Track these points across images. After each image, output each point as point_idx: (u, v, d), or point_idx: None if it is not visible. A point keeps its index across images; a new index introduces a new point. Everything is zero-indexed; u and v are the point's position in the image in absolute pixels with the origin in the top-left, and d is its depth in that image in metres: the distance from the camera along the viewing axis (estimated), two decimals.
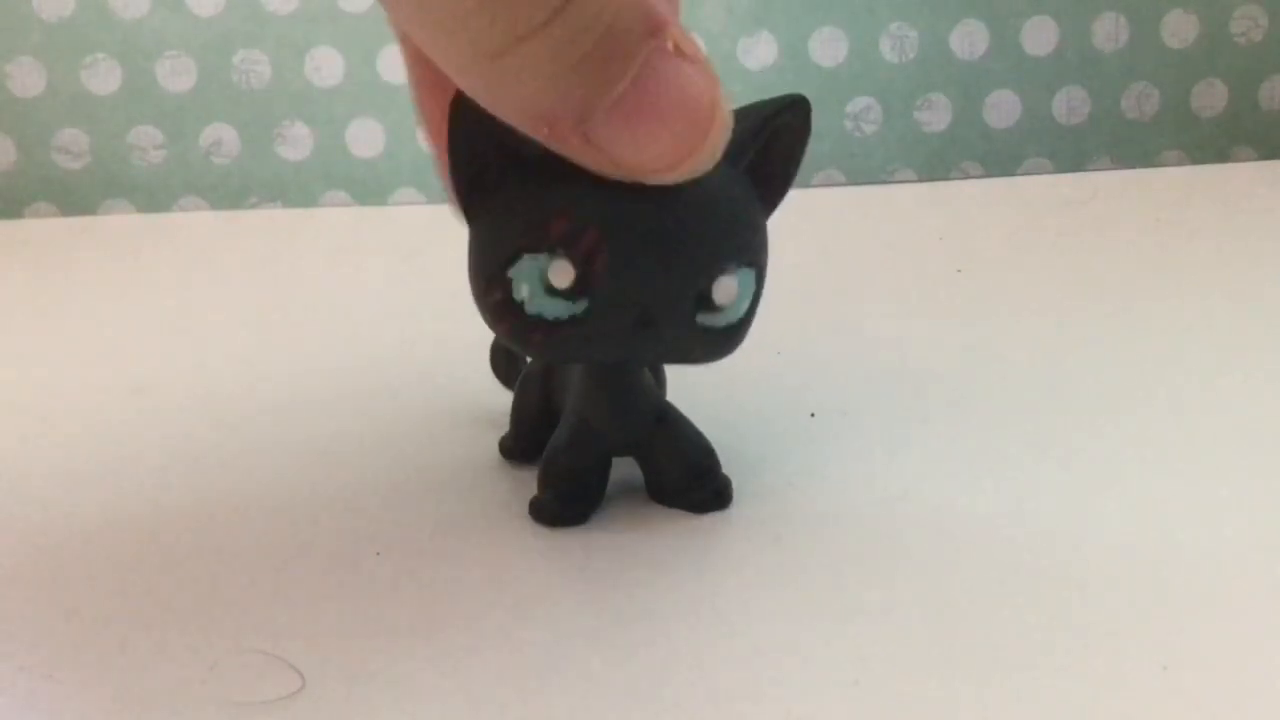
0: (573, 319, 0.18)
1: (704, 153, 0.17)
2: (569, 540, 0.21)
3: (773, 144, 0.20)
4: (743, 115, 0.18)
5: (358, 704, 0.17)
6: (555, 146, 0.17)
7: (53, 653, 0.18)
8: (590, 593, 0.20)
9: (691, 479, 0.22)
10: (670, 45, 0.16)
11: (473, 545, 0.21)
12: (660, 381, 0.24)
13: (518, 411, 0.25)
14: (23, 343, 0.37)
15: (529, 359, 0.25)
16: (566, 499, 0.22)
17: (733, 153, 0.18)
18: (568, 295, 0.18)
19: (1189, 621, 0.18)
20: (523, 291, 0.18)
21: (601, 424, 0.22)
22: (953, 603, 0.19)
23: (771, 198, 0.20)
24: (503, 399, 0.26)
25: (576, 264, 0.18)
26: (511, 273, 0.18)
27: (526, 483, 0.23)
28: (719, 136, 0.17)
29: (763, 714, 0.16)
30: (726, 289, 0.18)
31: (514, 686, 0.17)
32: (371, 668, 0.18)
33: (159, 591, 0.20)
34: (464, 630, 0.19)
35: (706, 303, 0.19)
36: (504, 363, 0.27)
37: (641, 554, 0.21)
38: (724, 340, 0.19)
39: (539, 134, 0.16)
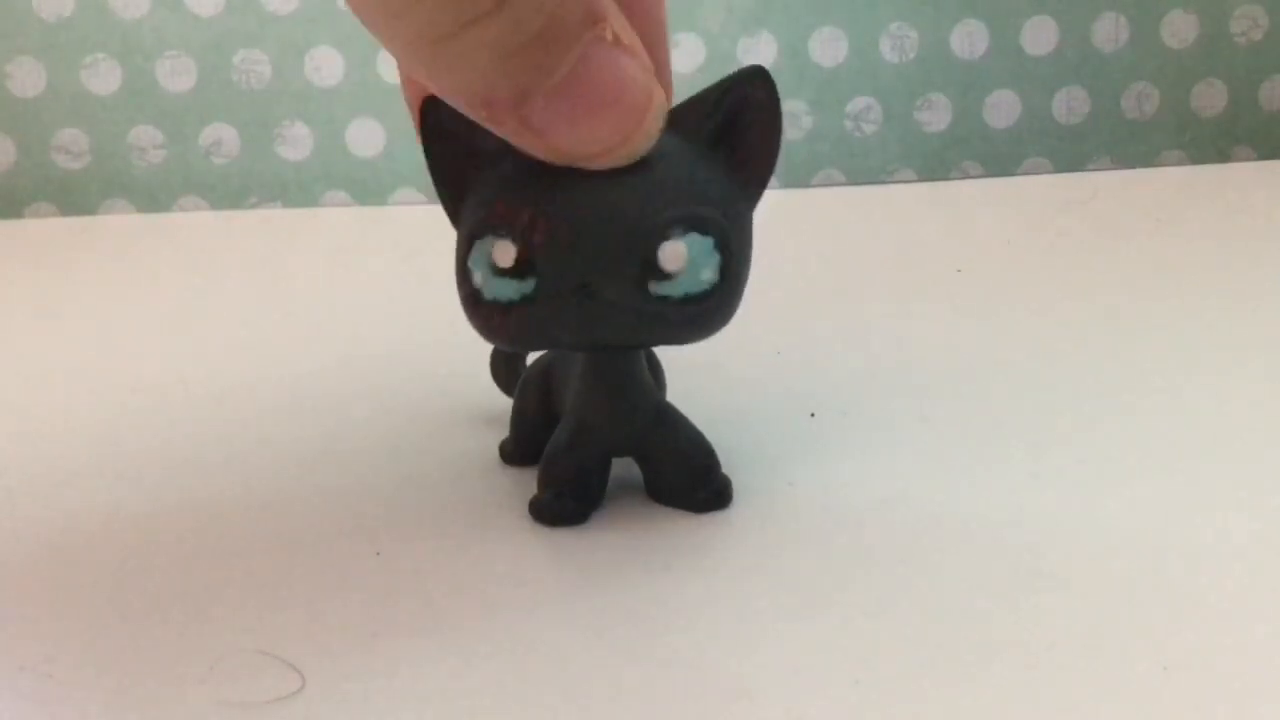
0: (524, 299, 0.18)
1: (637, 140, 0.17)
2: (568, 540, 0.21)
3: (740, 119, 0.20)
4: (702, 91, 0.19)
5: (358, 704, 0.17)
6: (493, 128, 0.17)
7: (53, 653, 0.18)
8: (589, 592, 0.20)
9: (691, 479, 0.22)
10: (609, 35, 0.16)
11: (473, 545, 0.21)
12: (660, 382, 0.24)
13: (517, 415, 0.25)
14: (23, 343, 0.37)
15: (528, 363, 0.25)
16: (567, 499, 0.22)
17: (688, 127, 0.19)
18: (513, 274, 0.18)
19: (1189, 621, 0.18)
20: (477, 278, 0.19)
21: (600, 423, 0.22)
22: (952, 602, 0.19)
23: (754, 176, 0.20)
24: (502, 399, 0.26)
25: (516, 241, 0.18)
26: (470, 262, 0.19)
27: (526, 483, 0.23)
28: (653, 124, 0.17)
29: (763, 714, 0.16)
30: (673, 253, 0.18)
31: (514, 686, 0.17)
32: (371, 668, 0.18)
33: (159, 591, 0.20)
34: (464, 630, 0.19)
35: (654, 270, 0.18)
36: (504, 369, 0.27)
37: (641, 554, 0.21)
38: (692, 312, 0.19)
39: (478, 116, 0.17)
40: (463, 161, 0.19)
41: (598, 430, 0.22)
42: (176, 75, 0.57)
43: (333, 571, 0.21)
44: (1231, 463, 0.24)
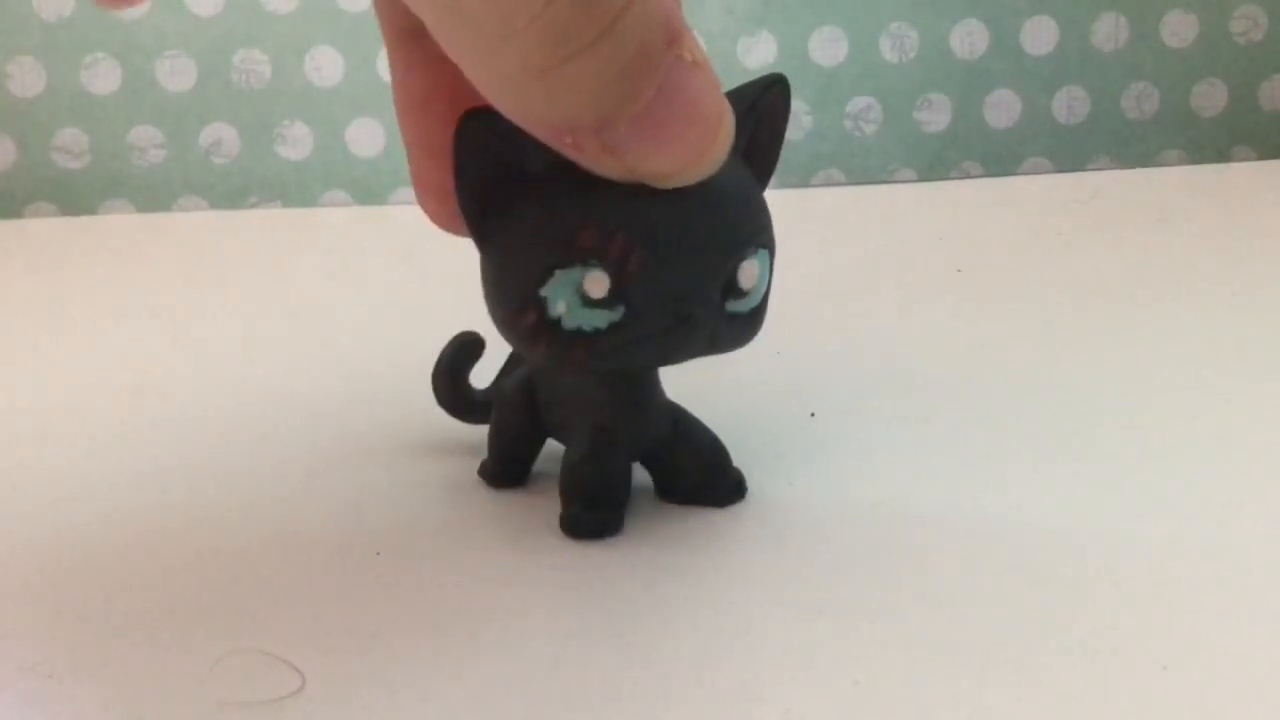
0: (612, 327, 0.18)
1: (713, 155, 0.18)
2: (567, 541, 0.21)
3: (759, 125, 0.20)
4: (734, 98, 0.19)
5: (358, 704, 0.17)
6: (573, 155, 0.17)
7: (53, 653, 0.18)
8: (588, 593, 0.20)
9: (710, 475, 0.22)
10: (687, 55, 0.16)
11: (473, 545, 0.21)
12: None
13: (499, 435, 0.24)
14: (23, 343, 0.37)
15: (472, 383, 0.25)
16: (602, 509, 0.21)
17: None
18: (605, 304, 0.18)
19: (1189, 621, 0.18)
20: (559, 308, 0.18)
21: (625, 431, 0.21)
22: (952, 602, 0.19)
23: (762, 175, 0.20)
24: None
25: (610, 272, 0.18)
26: (544, 291, 0.18)
27: (528, 484, 0.23)
28: (726, 139, 0.18)
29: (763, 714, 0.16)
30: (749, 272, 0.19)
31: (513, 686, 0.17)
32: (371, 668, 0.18)
33: (159, 591, 0.20)
34: (463, 630, 0.19)
35: (734, 289, 0.19)
36: (448, 387, 0.25)
37: (639, 555, 0.21)
38: (749, 325, 0.20)
39: (562, 145, 0.17)
40: (500, 179, 0.19)
41: (619, 437, 0.21)
42: (176, 75, 0.57)
43: (333, 572, 0.21)
44: (1231, 462, 0.24)
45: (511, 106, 0.17)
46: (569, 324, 0.18)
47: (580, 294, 0.18)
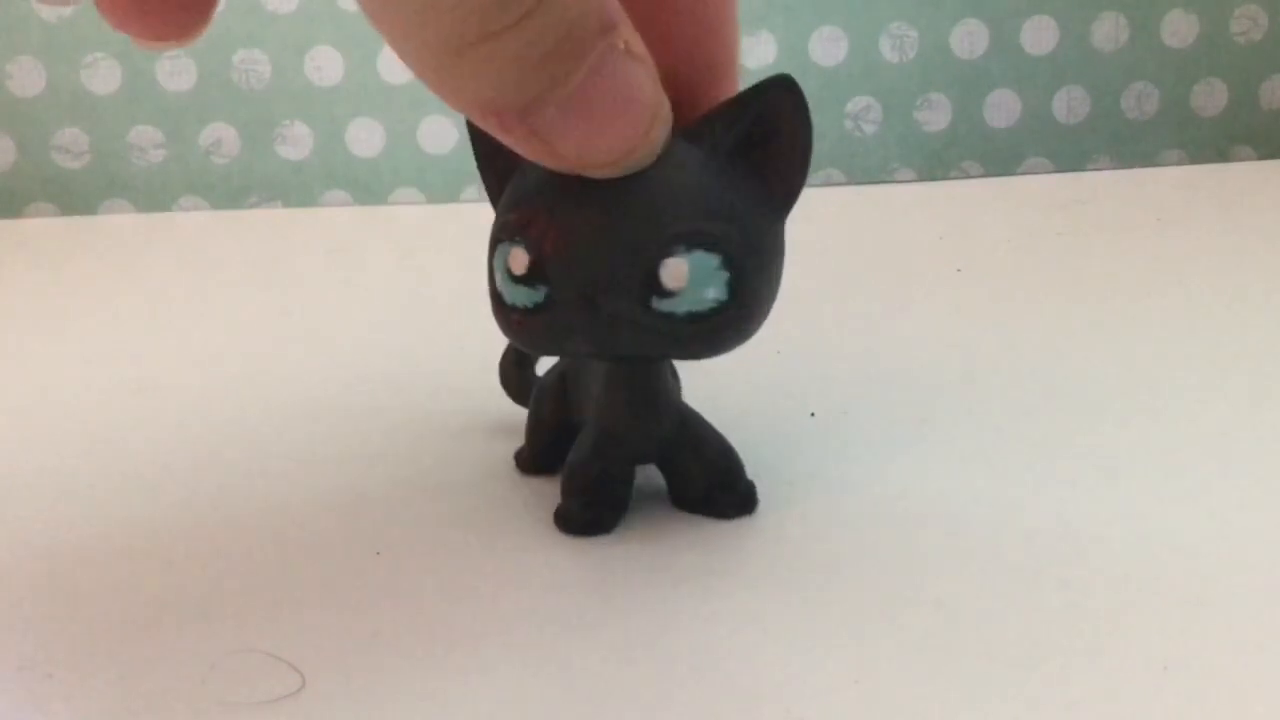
0: (537, 306, 0.19)
1: (642, 149, 0.17)
2: (569, 543, 0.21)
3: (767, 130, 0.19)
4: (728, 102, 0.19)
5: (358, 704, 0.17)
6: (500, 136, 0.17)
7: (53, 653, 0.18)
8: (588, 593, 0.20)
9: (717, 486, 0.22)
10: (621, 44, 0.16)
11: (473, 545, 0.21)
12: (676, 385, 0.24)
13: (533, 425, 0.24)
14: (22, 343, 0.37)
15: (538, 371, 0.25)
16: (594, 507, 0.22)
17: (706, 138, 0.18)
18: (527, 281, 0.19)
19: (1189, 621, 0.18)
20: (499, 281, 0.19)
21: (624, 431, 0.21)
22: (952, 602, 0.19)
23: (782, 187, 0.19)
24: (501, 397, 0.26)
25: (530, 249, 0.18)
26: (493, 263, 0.19)
27: (530, 485, 0.24)
28: (658, 134, 0.17)
29: (763, 714, 0.16)
30: (674, 271, 0.18)
31: (513, 686, 0.17)
32: (371, 668, 0.18)
33: (159, 592, 0.20)
34: (464, 630, 0.19)
35: (655, 286, 0.18)
36: (514, 376, 0.27)
37: (639, 554, 0.21)
38: (698, 330, 0.19)
39: (486, 125, 0.17)
40: (505, 158, 0.20)
41: (621, 438, 0.21)
42: (176, 75, 0.57)
43: (333, 572, 0.21)
44: (1231, 462, 0.24)
45: (436, 83, 0.16)
46: (507, 298, 0.19)
47: (507, 269, 0.19)
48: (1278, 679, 0.17)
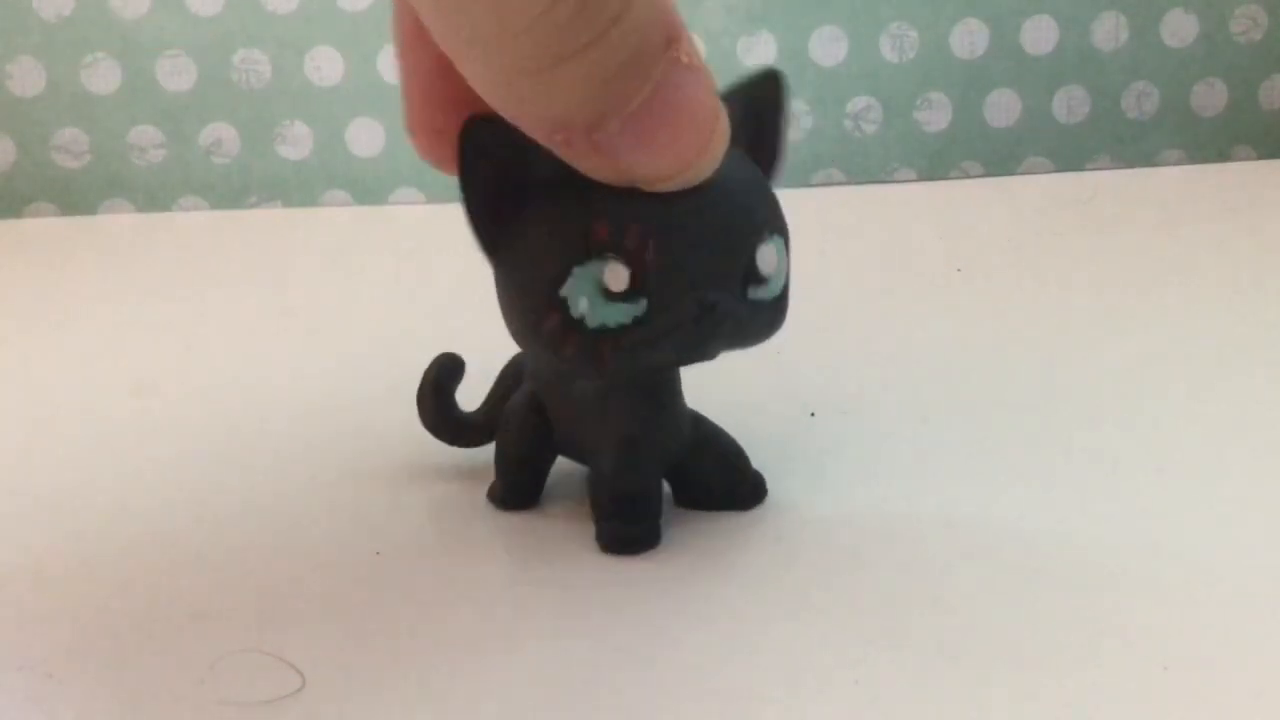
0: (636, 321, 0.18)
1: (706, 159, 0.17)
2: (566, 543, 0.21)
3: (759, 120, 0.20)
4: (728, 100, 0.19)
5: (358, 704, 0.17)
6: (564, 154, 0.17)
7: (53, 653, 0.18)
8: (587, 593, 0.20)
9: (733, 480, 0.22)
10: (684, 57, 0.16)
11: (473, 546, 0.21)
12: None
13: (506, 458, 0.23)
14: (22, 343, 0.37)
15: (457, 403, 0.25)
16: (642, 521, 0.21)
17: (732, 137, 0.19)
18: (627, 297, 0.18)
19: (1189, 621, 0.18)
20: (581, 306, 0.18)
21: (651, 440, 0.21)
22: (952, 602, 0.19)
23: (769, 171, 0.20)
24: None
25: (628, 262, 0.18)
26: (564, 291, 0.18)
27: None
28: (720, 144, 0.17)
29: (763, 714, 0.16)
30: (767, 257, 0.19)
31: (512, 685, 0.17)
32: (371, 668, 0.18)
33: (159, 591, 0.20)
34: (464, 630, 0.19)
35: (754, 275, 0.19)
36: (434, 410, 0.24)
37: (637, 556, 0.21)
38: (774, 314, 0.20)
39: (551, 143, 0.17)
40: (507, 188, 0.19)
41: (649, 446, 0.21)
42: (176, 75, 0.57)
43: (333, 572, 0.21)
44: (1231, 461, 0.24)
45: (503, 102, 0.17)
46: (592, 322, 0.18)
47: (601, 289, 0.18)
48: (1278, 679, 0.16)
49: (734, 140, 0.18)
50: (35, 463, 0.26)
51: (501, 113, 0.17)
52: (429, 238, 0.50)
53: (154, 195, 0.58)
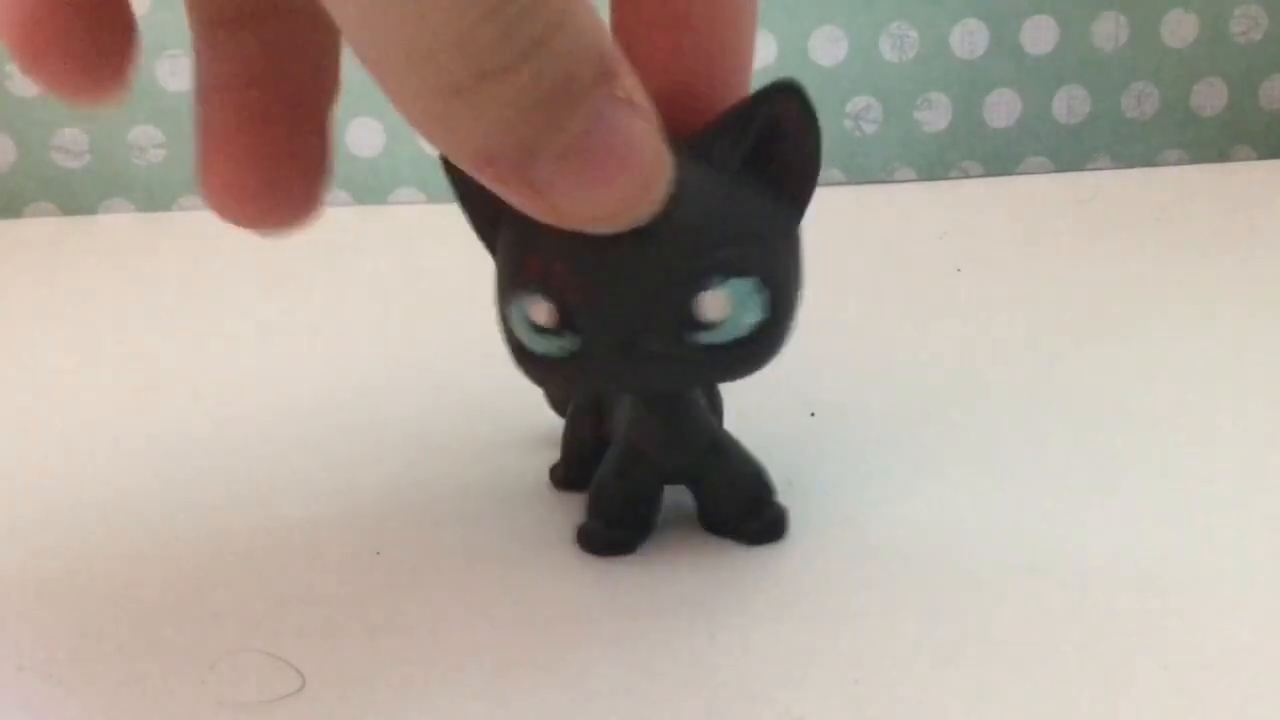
0: (569, 355, 0.18)
1: (643, 205, 0.16)
2: (565, 543, 0.21)
3: (773, 137, 0.18)
4: (728, 113, 0.18)
5: (358, 704, 0.17)
6: (495, 188, 0.16)
7: (53, 653, 0.18)
8: (587, 593, 0.20)
9: (746, 510, 0.21)
10: (621, 93, 0.15)
11: (473, 546, 0.21)
12: (716, 408, 0.23)
13: (568, 441, 0.24)
14: (23, 343, 0.37)
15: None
16: (617, 527, 0.21)
17: (717, 156, 0.18)
18: (554, 332, 0.18)
19: (1189, 621, 0.18)
20: (519, 332, 0.18)
21: (652, 451, 0.21)
22: (952, 602, 0.19)
23: (792, 195, 0.19)
24: (496, 400, 0.26)
25: (553, 300, 0.17)
26: (509, 312, 0.18)
27: (529, 486, 0.23)
28: (659, 189, 0.16)
29: (763, 714, 0.16)
30: (713, 304, 0.18)
31: (512, 685, 0.17)
32: (371, 668, 0.18)
33: (159, 591, 0.20)
34: (464, 630, 0.19)
35: (693, 322, 0.18)
36: (557, 390, 0.26)
37: (638, 558, 0.21)
38: (740, 354, 0.18)
39: (481, 174, 0.16)
40: (488, 199, 0.18)
41: (648, 458, 0.21)
42: (176, 75, 0.57)
43: (333, 572, 0.21)
44: (1232, 463, 0.24)
45: (430, 129, 0.16)
46: (530, 348, 0.18)
47: (529, 320, 0.18)
48: (1278, 679, 0.17)
49: (725, 165, 0.18)
50: (34, 462, 0.26)
51: (430, 140, 0.16)
52: (429, 238, 0.50)
53: (154, 195, 0.58)
